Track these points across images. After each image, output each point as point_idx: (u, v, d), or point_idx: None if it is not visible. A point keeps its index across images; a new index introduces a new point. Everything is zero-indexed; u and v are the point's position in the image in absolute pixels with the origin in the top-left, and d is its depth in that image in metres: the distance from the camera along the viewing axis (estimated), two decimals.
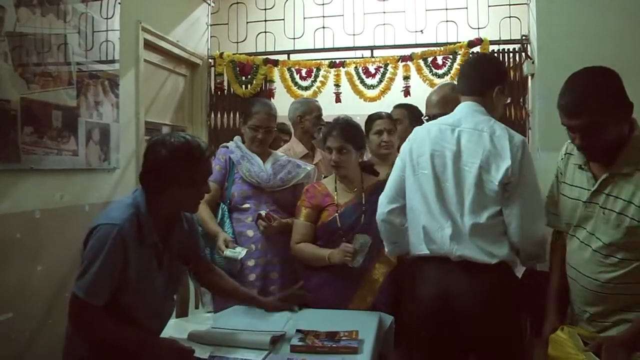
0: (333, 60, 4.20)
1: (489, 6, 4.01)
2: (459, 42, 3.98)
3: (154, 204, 1.61)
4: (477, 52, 3.90)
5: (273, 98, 4.08)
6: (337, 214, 2.18)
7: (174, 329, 1.88)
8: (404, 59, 4.07)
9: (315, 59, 4.26)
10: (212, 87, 4.42)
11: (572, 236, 1.67)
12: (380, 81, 4.10)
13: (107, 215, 1.58)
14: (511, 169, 1.66)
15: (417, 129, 1.92)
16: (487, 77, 1.86)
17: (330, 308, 2.06)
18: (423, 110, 2.51)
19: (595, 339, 1.53)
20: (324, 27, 4.27)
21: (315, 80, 4.20)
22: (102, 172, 2.95)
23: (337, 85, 4.18)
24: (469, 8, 4.12)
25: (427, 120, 2.28)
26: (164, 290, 1.69)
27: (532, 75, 3.76)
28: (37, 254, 2.43)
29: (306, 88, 4.20)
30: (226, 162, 2.51)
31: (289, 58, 4.30)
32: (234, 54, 4.33)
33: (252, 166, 2.47)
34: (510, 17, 3.93)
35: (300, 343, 1.69)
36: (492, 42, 3.94)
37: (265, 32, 4.33)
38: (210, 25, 4.49)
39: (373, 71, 4.13)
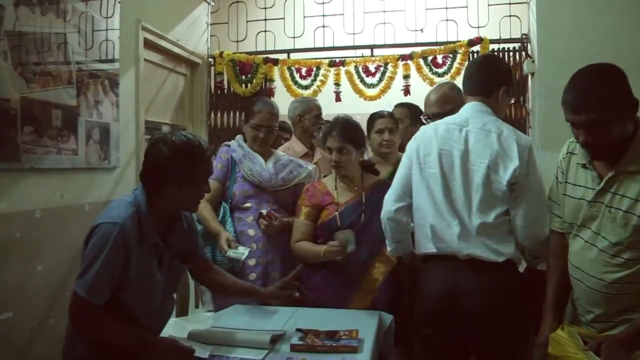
0: (333, 59, 4.20)
1: (489, 5, 4.01)
2: (459, 41, 3.98)
3: (154, 203, 1.61)
4: (480, 52, 3.90)
5: (273, 97, 4.07)
6: (337, 213, 2.18)
7: (174, 328, 1.88)
8: (404, 57, 4.07)
9: (315, 58, 4.25)
10: (212, 86, 4.42)
11: (576, 236, 1.65)
12: (380, 80, 4.10)
13: (108, 214, 1.57)
14: (519, 170, 1.68)
15: (423, 128, 1.93)
16: (493, 77, 1.87)
17: (330, 307, 2.06)
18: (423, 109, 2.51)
19: (595, 338, 1.52)
20: (324, 26, 4.27)
21: (315, 79, 4.20)
22: (102, 172, 2.95)
23: (337, 84, 4.18)
24: (469, 7, 4.12)
25: (426, 119, 2.28)
26: (164, 289, 1.69)
27: (532, 74, 3.76)
28: (37, 253, 2.43)
29: (306, 87, 4.20)
30: (228, 161, 2.51)
31: (289, 57, 4.30)
32: (234, 53, 4.33)
33: (254, 165, 2.46)
34: (510, 16, 3.93)
35: (300, 342, 1.69)
36: (492, 41, 3.94)
37: (265, 31, 4.32)
38: (210, 24, 4.49)
39: (373, 70, 4.13)
